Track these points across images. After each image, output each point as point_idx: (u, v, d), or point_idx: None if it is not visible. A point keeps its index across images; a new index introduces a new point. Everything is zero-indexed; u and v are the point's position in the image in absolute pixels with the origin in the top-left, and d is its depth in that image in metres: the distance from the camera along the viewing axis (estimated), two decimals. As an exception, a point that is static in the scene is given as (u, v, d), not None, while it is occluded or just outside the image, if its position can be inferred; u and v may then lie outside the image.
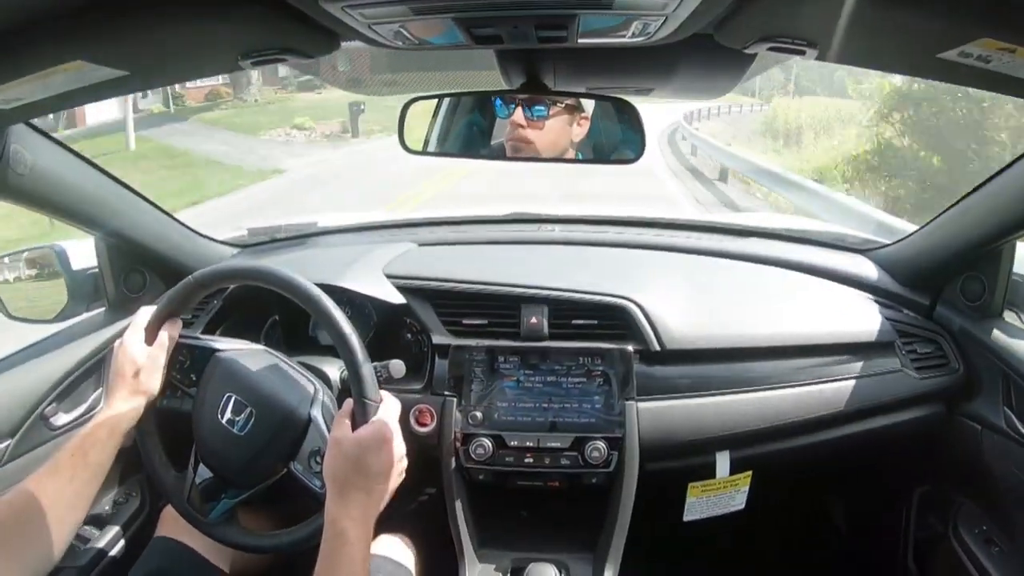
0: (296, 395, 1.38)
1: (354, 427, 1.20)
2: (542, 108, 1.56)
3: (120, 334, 1.40)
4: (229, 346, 1.45)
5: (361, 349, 1.26)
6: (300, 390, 1.40)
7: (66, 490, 1.19)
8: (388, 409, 1.24)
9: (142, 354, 1.35)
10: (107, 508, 1.82)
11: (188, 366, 1.43)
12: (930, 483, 1.97)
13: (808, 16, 0.97)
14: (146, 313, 1.40)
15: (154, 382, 1.36)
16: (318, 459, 1.32)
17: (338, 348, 1.27)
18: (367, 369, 1.25)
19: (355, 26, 1.01)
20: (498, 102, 1.57)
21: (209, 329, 1.79)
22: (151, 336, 1.38)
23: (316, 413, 1.37)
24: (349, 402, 1.24)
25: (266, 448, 1.35)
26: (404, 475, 1.27)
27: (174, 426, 1.44)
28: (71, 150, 1.59)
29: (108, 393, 1.35)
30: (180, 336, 1.42)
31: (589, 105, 1.62)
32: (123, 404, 1.31)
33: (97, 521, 1.78)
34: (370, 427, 1.19)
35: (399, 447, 1.22)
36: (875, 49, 1.10)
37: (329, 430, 1.31)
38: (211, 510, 1.39)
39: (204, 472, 1.39)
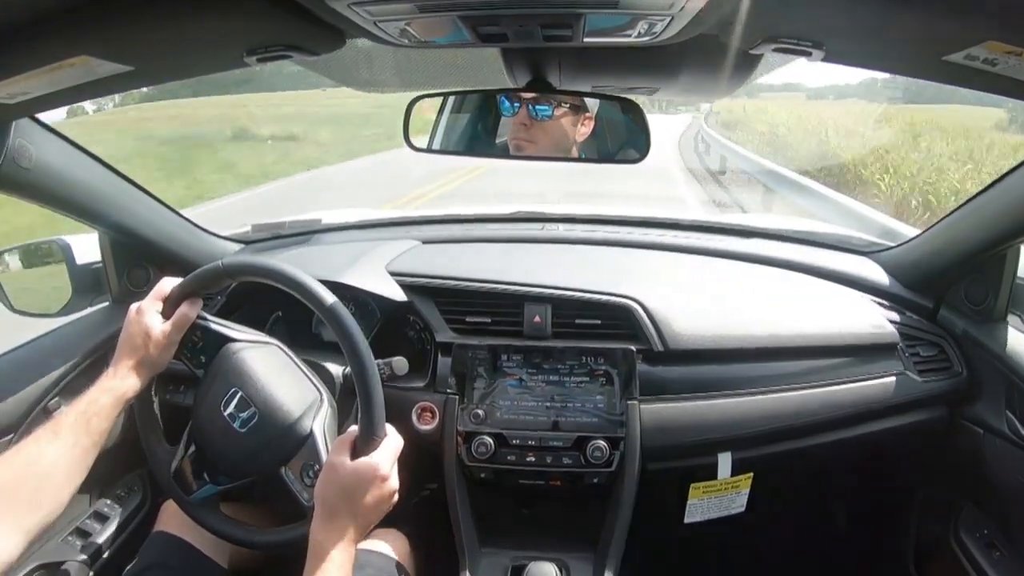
0: (301, 405, 1.39)
1: (354, 455, 1.20)
2: (546, 108, 1.56)
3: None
4: (244, 336, 1.45)
5: (377, 384, 1.26)
6: (305, 397, 1.41)
7: (67, 455, 1.20)
8: (390, 445, 1.24)
9: (156, 325, 1.35)
10: (108, 502, 1.82)
11: (200, 347, 1.43)
12: (932, 487, 1.97)
13: (814, 17, 0.97)
14: (168, 284, 1.40)
15: (163, 357, 1.37)
16: (311, 474, 1.33)
17: (355, 379, 1.27)
18: (379, 404, 1.25)
19: (361, 23, 1.01)
20: (503, 101, 1.57)
21: None
22: (169, 309, 1.38)
23: (317, 428, 1.38)
24: (353, 429, 1.24)
25: (262, 451, 1.36)
26: (392, 507, 1.27)
27: (173, 416, 1.45)
28: (76, 144, 1.60)
29: (116, 359, 1.34)
30: (198, 316, 1.42)
31: (593, 105, 1.62)
32: (129, 374, 1.32)
33: (98, 515, 1.78)
34: (369, 461, 1.19)
35: (393, 484, 1.22)
36: (880, 51, 1.10)
37: (327, 447, 1.33)
38: (195, 490, 1.41)
39: (192, 451, 1.40)
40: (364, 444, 1.21)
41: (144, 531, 1.65)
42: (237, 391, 1.37)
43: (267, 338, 1.49)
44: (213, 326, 1.44)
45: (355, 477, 1.18)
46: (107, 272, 1.89)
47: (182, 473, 1.41)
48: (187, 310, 1.38)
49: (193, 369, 1.43)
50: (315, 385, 1.45)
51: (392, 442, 1.24)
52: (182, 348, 1.41)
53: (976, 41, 0.86)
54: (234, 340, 1.43)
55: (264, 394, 1.37)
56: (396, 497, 1.25)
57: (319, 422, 1.38)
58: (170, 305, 1.38)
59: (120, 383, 1.30)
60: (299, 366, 1.47)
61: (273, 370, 1.42)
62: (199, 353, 1.43)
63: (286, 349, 1.49)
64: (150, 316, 1.36)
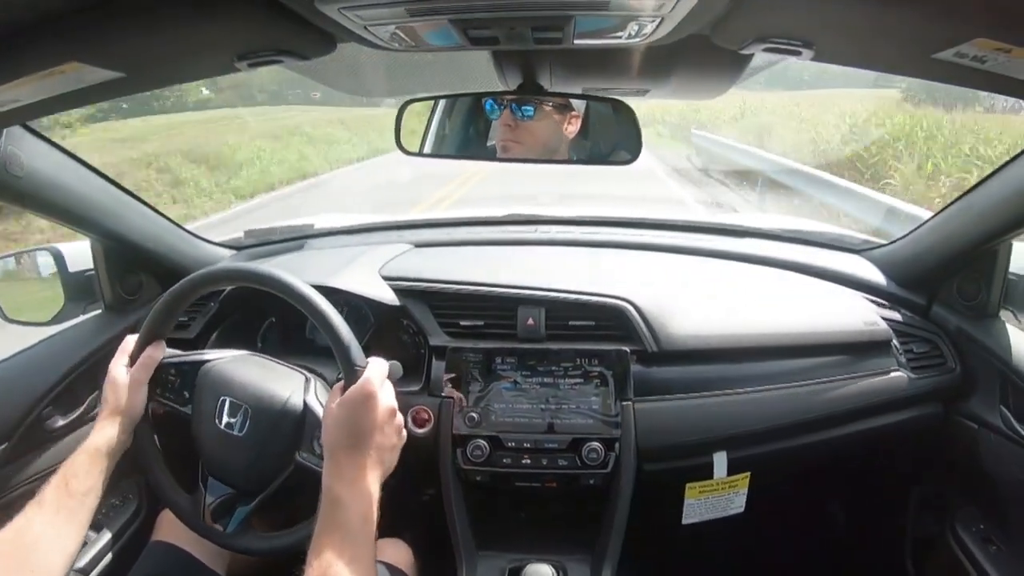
0: (289, 386, 1.40)
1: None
2: (529, 107, 1.56)
3: (117, 336, 1.40)
4: (216, 356, 1.47)
5: (338, 317, 1.28)
6: (292, 381, 1.42)
7: (53, 522, 1.19)
8: (373, 369, 1.24)
9: (122, 375, 1.36)
10: (103, 511, 1.81)
11: (179, 384, 1.44)
12: (928, 483, 1.97)
13: (804, 17, 0.97)
14: (131, 341, 1.42)
15: (135, 401, 1.37)
16: (320, 442, 1.32)
17: (315, 321, 1.29)
18: (349, 336, 1.26)
19: (351, 28, 1.01)
20: (489, 103, 1.57)
21: (206, 331, 1.79)
22: (134, 361, 1.39)
23: (311, 399, 1.39)
24: (340, 381, 1.25)
25: (268, 443, 1.36)
26: (405, 435, 1.28)
27: (178, 442, 1.45)
28: (67, 152, 1.59)
29: (97, 419, 1.35)
30: (166, 356, 1.43)
31: (581, 104, 1.62)
32: (104, 427, 1.32)
33: (93, 524, 1.77)
34: (355, 387, 1.20)
35: (386, 401, 1.22)
36: (870, 49, 1.10)
37: None
38: (228, 523, 1.40)
39: (215, 488, 1.40)
40: (350, 379, 1.22)
41: (140, 539, 1.64)
42: (225, 399, 1.38)
43: (239, 351, 1.51)
44: (183, 359, 1.46)
45: (347, 408, 1.18)
46: (100, 280, 1.88)
47: (211, 516, 1.41)
48: (151, 352, 1.40)
49: (181, 408, 1.43)
50: (300, 371, 1.46)
51: (376, 365, 1.25)
52: (165, 394, 1.43)
53: (965, 39, 0.86)
54: (207, 360, 1.45)
55: (250, 390, 1.39)
56: (400, 417, 1.26)
57: (311, 395, 1.40)
58: (134, 357, 1.40)
59: (95, 437, 1.30)
60: (281, 363, 1.49)
61: (254, 369, 1.44)
62: (181, 390, 1.44)
63: (263, 355, 1.51)
64: (116, 369, 1.37)
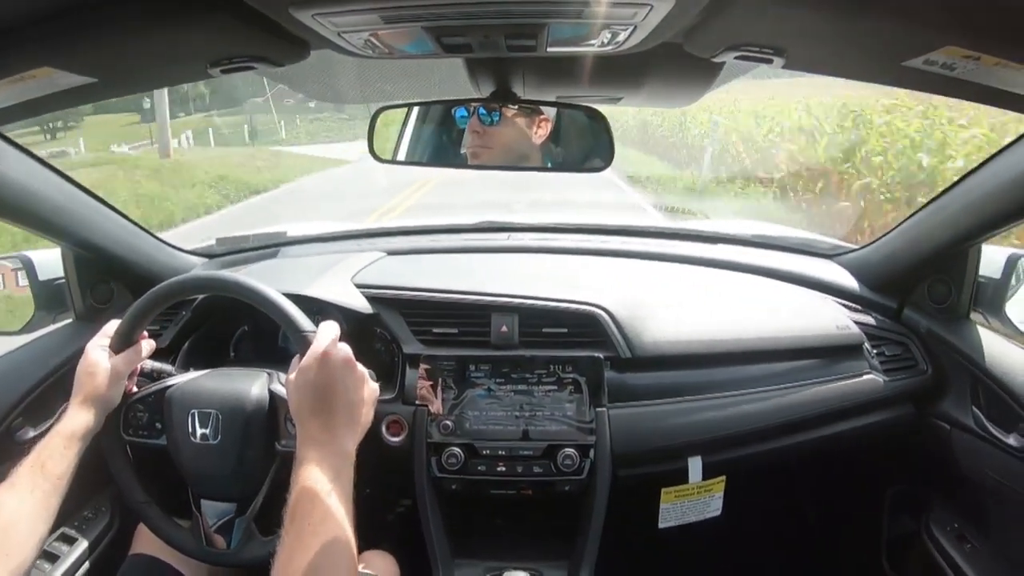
0: (252, 383, 1.42)
1: None
2: (496, 113, 1.56)
3: None
4: (179, 379, 1.47)
5: (279, 295, 1.31)
6: (255, 378, 1.43)
7: (26, 503, 1.18)
8: (323, 330, 1.25)
9: (102, 360, 1.35)
10: (77, 524, 1.79)
11: (147, 419, 1.45)
12: (902, 483, 1.99)
13: (775, 25, 0.98)
14: (114, 324, 1.41)
15: (112, 391, 1.36)
16: (293, 422, 1.32)
17: (258, 305, 1.32)
18: (292, 308, 1.29)
19: (325, 34, 1.01)
20: (460, 111, 1.57)
21: (178, 339, 1.77)
22: (115, 341, 1.39)
23: (276, 387, 1.41)
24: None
25: (246, 443, 1.37)
26: (376, 389, 1.31)
27: (164, 480, 1.45)
28: (37, 158, 1.57)
29: (70, 402, 1.34)
30: (133, 393, 1.44)
31: (552, 110, 1.62)
32: (79, 412, 1.31)
33: (66, 538, 1.75)
34: (308, 352, 1.21)
35: (341, 355, 1.22)
36: (841, 57, 1.11)
37: None
38: (230, 540, 1.41)
39: (211, 510, 1.41)
40: (303, 350, 1.23)
41: (114, 553, 1.62)
42: (193, 412, 1.39)
43: (199, 371, 1.52)
44: (146, 391, 1.46)
45: (303, 372, 1.19)
46: (70, 288, 1.86)
47: (213, 539, 1.42)
48: (138, 348, 1.42)
49: (155, 442, 1.44)
50: (262, 370, 1.48)
51: (325, 327, 1.26)
52: (137, 432, 1.44)
53: (935, 46, 0.87)
54: (170, 385, 1.45)
55: (215, 396, 1.40)
56: (361, 370, 1.26)
57: (276, 384, 1.42)
58: (116, 338, 1.40)
59: (68, 422, 1.30)
60: (239, 369, 1.52)
61: (216, 378, 1.47)
62: (151, 423, 1.45)
63: (221, 368, 1.54)
64: (95, 353, 1.37)
